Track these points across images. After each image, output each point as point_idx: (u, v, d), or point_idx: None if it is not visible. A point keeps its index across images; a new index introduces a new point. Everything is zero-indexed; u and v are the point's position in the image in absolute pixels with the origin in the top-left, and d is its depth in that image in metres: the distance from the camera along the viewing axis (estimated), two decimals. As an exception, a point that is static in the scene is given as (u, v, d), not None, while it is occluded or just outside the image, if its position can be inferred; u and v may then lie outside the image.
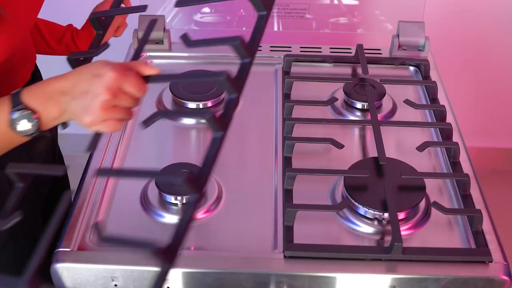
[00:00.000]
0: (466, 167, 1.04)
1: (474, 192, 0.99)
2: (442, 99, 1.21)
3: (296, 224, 0.93)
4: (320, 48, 1.36)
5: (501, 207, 1.90)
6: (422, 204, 0.97)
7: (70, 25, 1.23)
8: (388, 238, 0.92)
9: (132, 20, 1.36)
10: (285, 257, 0.88)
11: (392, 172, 1.00)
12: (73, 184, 1.22)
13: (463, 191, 0.99)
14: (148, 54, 1.33)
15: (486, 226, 0.93)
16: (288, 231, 0.91)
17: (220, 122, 0.65)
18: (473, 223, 0.93)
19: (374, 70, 1.28)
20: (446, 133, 1.10)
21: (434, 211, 0.96)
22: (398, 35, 1.34)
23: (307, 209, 0.94)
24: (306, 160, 1.06)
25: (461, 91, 2.04)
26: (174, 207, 0.95)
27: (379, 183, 0.98)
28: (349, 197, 0.95)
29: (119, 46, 1.45)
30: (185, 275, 0.87)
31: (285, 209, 0.93)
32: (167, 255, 0.56)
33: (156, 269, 0.82)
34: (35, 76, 1.08)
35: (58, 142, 1.23)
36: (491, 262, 0.88)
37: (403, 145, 1.11)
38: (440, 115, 1.14)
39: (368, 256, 0.88)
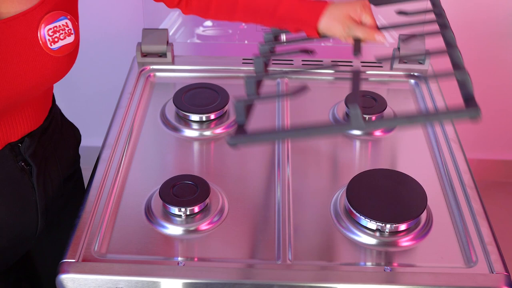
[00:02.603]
0: (466, 179, 1.05)
1: (475, 203, 1.00)
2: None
3: (298, 234, 0.94)
4: (321, 61, 1.38)
5: (501, 218, 1.92)
6: (424, 215, 0.98)
7: None
8: (388, 249, 0.93)
9: (136, 33, 1.37)
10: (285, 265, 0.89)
11: (394, 183, 1.01)
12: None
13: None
14: (151, 67, 1.35)
15: (487, 237, 0.94)
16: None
17: None
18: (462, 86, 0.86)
19: (375, 84, 1.29)
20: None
21: (435, 222, 0.97)
22: (399, 48, 1.36)
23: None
24: (310, 168, 1.08)
25: (461, 103, 2.05)
26: (178, 219, 0.96)
27: (381, 195, 0.99)
28: (351, 208, 0.96)
29: (122, 59, 1.47)
30: (189, 286, 0.88)
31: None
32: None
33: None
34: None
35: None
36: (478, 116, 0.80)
37: (405, 157, 1.13)
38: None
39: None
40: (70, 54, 0.91)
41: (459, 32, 1.90)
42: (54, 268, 0.89)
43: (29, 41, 0.85)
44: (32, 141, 0.95)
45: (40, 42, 0.86)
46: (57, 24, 0.87)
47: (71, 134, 1.12)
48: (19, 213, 0.97)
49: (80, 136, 1.16)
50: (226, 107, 1.21)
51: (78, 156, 1.15)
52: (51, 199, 1.02)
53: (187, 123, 1.18)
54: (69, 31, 0.89)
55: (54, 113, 1.04)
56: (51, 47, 0.87)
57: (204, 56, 1.39)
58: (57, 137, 1.04)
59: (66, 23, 0.88)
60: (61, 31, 0.88)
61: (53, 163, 1.02)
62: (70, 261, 0.89)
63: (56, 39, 0.87)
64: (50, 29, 0.86)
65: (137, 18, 1.31)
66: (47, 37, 0.86)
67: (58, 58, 0.89)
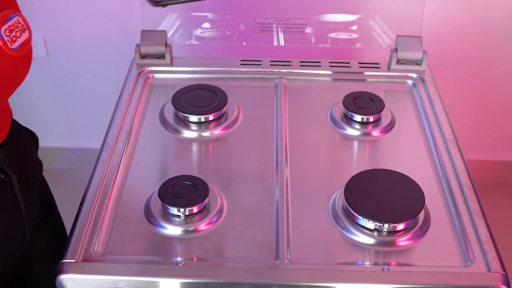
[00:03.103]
0: (464, 179, 1.06)
1: (473, 203, 1.01)
2: (440, 112, 1.22)
3: (296, 234, 0.94)
4: (319, 62, 1.38)
5: (499, 218, 1.92)
6: (421, 215, 0.98)
7: None
8: (386, 249, 0.93)
9: (135, 34, 1.38)
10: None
11: (392, 183, 1.02)
12: (76, 197, 1.23)
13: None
14: (150, 68, 1.35)
15: (484, 236, 0.95)
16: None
17: None
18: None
19: (373, 84, 1.30)
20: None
21: (433, 222, 0.97)
22: (396, 49, 1.37)
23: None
24: (308, 168, 1.08)
25: (460, 104, 2.06)
26: (177, 219, 0.97)
27: (379, 194, 0.99)
28: (349, 207, 0.97)
29: (121, 61, 1.47)
30: (188, 286, 0.88)
31: None
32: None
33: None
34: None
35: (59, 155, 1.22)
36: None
37: (403, 157, 1.13)
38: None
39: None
40: (29, 50, 0.90)
41: (459, 32, 1.92)
42: (49, 272, 0.89)
43: None
44: (6, 150, 0.94)
45: (0, 44, 0.85)
46: (10, 23, 0.86)
47: (30, 138, 1.11)
48: (7, 226, 0.97)
49: (37, 138, 1.15)
50: (225, 108, 1.21)
51: (41, 160, 1.14)
52: (35, 206, 1.02)
53: (186, 124, 1.19)
54: (23, 27, 0.88)
55: (13, 118, 1.03)
56: (12, 47, 0.86)
57: (202, 58, 1.39)
58: (22, 142, 1.03)
59: (18, 20, 0.87)
60: (16, 29, 0.87)
61: (27, 169, 1.02)
62: (70, 261, 0.89)
63: (14, 38, 0.86)
64: (6, 29, 0.85)
65: (136, 19, 1.31)
66: (6, 38, 0.85)
67: (21, 58, 0.88)
